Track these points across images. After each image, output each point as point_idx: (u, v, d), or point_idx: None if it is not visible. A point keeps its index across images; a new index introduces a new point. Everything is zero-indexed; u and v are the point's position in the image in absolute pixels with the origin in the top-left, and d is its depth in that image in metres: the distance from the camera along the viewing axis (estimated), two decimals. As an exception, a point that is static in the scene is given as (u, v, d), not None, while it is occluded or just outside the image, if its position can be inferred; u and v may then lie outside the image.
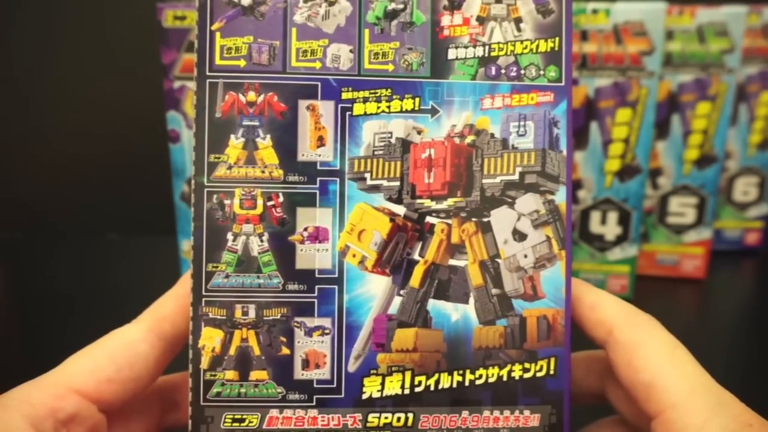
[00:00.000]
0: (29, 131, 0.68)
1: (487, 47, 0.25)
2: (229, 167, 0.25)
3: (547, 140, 0.25)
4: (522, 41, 0.25)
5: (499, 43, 0.25)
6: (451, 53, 0.25)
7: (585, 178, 0.53)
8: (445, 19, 0.25)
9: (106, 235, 0.70)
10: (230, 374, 0.24)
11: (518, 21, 0.25)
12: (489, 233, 0.25)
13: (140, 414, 0.25)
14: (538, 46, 0.25)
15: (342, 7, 0.25)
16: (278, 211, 0.25)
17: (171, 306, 0.25)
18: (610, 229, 0.53)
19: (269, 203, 0.25)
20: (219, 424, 0.24)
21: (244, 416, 0.24)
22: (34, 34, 0.65)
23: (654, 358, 0.22)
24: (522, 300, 0.25)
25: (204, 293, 0.24)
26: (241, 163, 0.25)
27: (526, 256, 0.25)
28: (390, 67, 0.25)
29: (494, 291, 0.25)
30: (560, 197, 0.25)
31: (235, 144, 0.25)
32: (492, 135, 0.25)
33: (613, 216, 0.53)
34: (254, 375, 0.24)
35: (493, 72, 0.25)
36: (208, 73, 0.25)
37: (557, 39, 0.25)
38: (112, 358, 0.23)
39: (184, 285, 0.25)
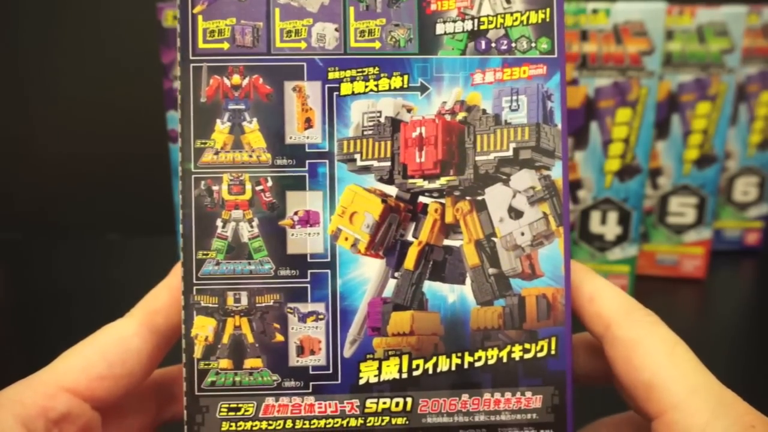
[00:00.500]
0: (29, 131, 0.68)
1: (476, 21, 0.25)
2: (216, 152, 0.24)
3: (541, 114, 0.25)
4: (512, 13, 0.25)
5: (488, 16, 0.25)
6: (439, 28, 0.25)
7: (585, 178, 0.52)
8: (433, -6, 0.25)
9: (106, 235, 0.70)
10: (224, 363, 0.24)
11: (508, -7, 0.25)
12: (484, 212, 0.25)
13: (136, 409, 0.25)
14: (528, 18, 0.25)
15: (326, -15, 0.24)
16: (267, 196, 0.24)
17: (164, 298, 0.24)
18: (610, 229, 0.53)
19: (258, 188, 0.24)
20: (215, 414, 0.24)
21: (240, 405, 0.24)
22: (34, 34, 0.64)
23: (653, 356, 0.21)
24: (520, 279, 0.25)
25: (195, 281, 0.24)
26: (228, 147, 0.24)
27: (523, 234, 0.25)
28: (377, 45, 0.24)
29: (491, 270, 0.25)
30: (556, 172, 0.25)
31: (222, 129, 0.24)
32: (484, 111, 0.25)
33: (613, 216, 0.53)
34: (249, 363, 0.24)
35: (483, 46, 0.25)
36: (191, 58, 0.24)
37: (548, 10, 0.25)
38: (104, 355, 0.22)
39: (176, 275, 0.24)
